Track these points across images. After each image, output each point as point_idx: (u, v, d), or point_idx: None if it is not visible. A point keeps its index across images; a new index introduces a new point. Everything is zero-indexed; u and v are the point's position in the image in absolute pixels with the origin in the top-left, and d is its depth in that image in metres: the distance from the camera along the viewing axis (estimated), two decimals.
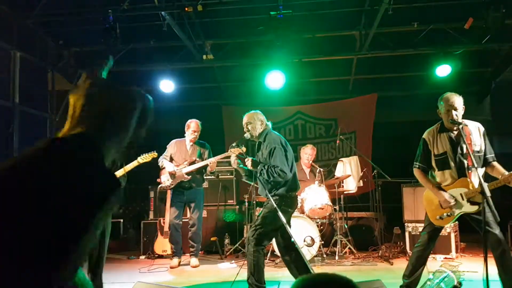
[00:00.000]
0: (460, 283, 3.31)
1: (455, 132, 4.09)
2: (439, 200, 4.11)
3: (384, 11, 6.71)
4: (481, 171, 3.95)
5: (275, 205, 4.25)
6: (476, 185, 3.90)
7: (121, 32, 6.93)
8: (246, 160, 4.65)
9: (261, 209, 4.67)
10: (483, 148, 4.06)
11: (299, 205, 6.51)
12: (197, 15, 7.40)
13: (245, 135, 4.77)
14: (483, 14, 6.58)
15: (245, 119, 4.80)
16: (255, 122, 4.72)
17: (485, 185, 3.59)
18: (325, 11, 7.48)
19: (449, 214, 4.05)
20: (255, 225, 4.46)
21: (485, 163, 4.09)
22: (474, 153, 3.94)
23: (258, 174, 4.52)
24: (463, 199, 4.01)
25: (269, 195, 4.40)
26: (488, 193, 3.58)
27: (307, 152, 7.30)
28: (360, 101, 9.61)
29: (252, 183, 4.97)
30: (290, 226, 4.66)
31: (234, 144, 4.82)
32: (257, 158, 4.72)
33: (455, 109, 4.03)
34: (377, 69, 9.32)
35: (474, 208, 3.94)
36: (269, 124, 4.82)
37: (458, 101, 4.07)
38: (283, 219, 4.16)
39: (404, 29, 7.91)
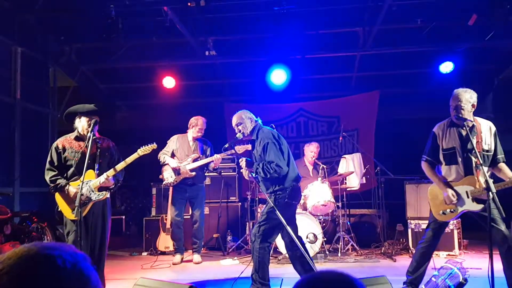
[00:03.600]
0: (465, 280, 3.29)
1: (465, 129, 4.05)
2: (442, 195, 4.10)
3: (388, 8, 6.68)
4: (486, 169, 3.92)
5: (272, 204, 4.25)
6: (483, 184, 3.89)
7: (123, 28, 6.91)
8: (240, 160, 4.64)
9: (264, 205, 4.65)
10: (492, 148, 4.05)
11: (301, 201, 6.49)
12: (200, 10, 7.36)
13: (237, 135, 4.74)
14: (487, 11, 6.55)
15: (234, 120, 4.77)
16: (245, 121, 4.70)
17: (490, 181, 3.58)
18: (328, 7, 7.45)
19: (452, 210, 4.04)
20: (259, 221, 4.44)
21: (494, 163, 4.07)
22: (483, 152, 3.92)
23: (255, 174, 4.50)
24: (468, 197, 3.99)
25: (266, 194, 4.39)
26: (493, 189, 3.57)
27: (312, 150, 7.28)
28: (362, 98, 9.57)
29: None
30: (295, 219, 4.67)
31: (226, 145, 4.78)
32: (253, 156, 4.69)
33: (458, 106, 4.02)
34: (380, 66, 9.27)
35: (479, 206, 3.93)
36: (259, 120, 4.79)
37: (464, 97, 4.05)
38: (282, 219, 4.14)
39: (407, 26, 7.87)
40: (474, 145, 3.90)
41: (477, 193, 3.94)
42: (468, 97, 4.06)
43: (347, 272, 1.11)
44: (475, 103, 4.09)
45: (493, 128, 4.11)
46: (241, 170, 4.76)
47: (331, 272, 1.13)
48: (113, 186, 4.57)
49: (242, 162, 4.59)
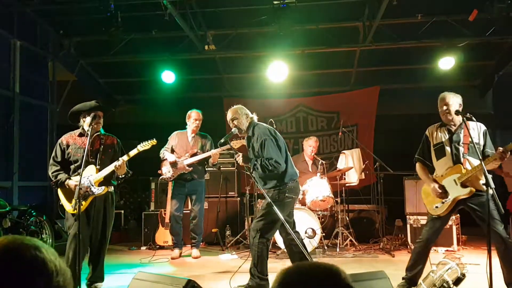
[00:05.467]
0: (463, 275, 3.29)
1: (454, 127, 4.20)
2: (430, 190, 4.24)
3: (388, 3, 6.65)
4: (477, 162, 3.95)
5: (269, 200, 4.23)
6: (470, 170, 3.99)
7: (122, 22, 6.87)
8: (236, 156, 4.60)
9: (264, 201, 4.64)
10: (481, 143, 4.11)
11: (300, 197, 6.49)
12: (199, 4, 7.34)
13: (232, 130, 4.70)
14: (487, 6, 6.51)
15: (229, 115, 4.73)
16: (240, 117, 4.65)
17: (489, 176, 3.57)
18: (328, 2, 7.42)
19: (443, 201, 4.12)
20: (258, 216, 4.44)
21: (484, 157, 4.09)
22: (472, 144, 3.95)
23: (252, 170, 4.48)
24: (456, 184, 4.07)
25: (263, 190, 4.36)
26: (492, 185, 3.57)
27: (311, 144, 7.26)
28: (362, 94, 9.56)
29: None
30: (293, 214, 4.69)
31: (222, 140, 4.73)
32: (249, 153, 4.67)
33: (446, 104, 4.14)
34: (380, 62, 9.25)
35: (466, 191, 4.00)
36: (254, 116, 4.76)
37: (451, 99, 4.15)
38: (280, 215, 4.12)
39: (407, 21, 7.84)
40: (461, 137, 4.08)
41: (463, 178, 4.00)
42: (454, 100, 4.17)
43: (336, 266, 1.11)
44: (461, 104, 4.19)
45: (483, 128, 4.18)
46: (236, 158, 4.68)
47: (317, 264, 1.13)
48: (123, 176, 4.58)
49: (239, 158, 4.57)
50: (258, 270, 4.35)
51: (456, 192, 4.05)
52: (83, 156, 4.32)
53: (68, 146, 4.57)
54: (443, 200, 4.11)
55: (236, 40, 8.35)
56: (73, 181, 4.42)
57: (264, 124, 4.71)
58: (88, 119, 4.51)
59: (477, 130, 4.12)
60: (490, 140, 4.17)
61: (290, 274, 1.11)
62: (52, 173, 4.54)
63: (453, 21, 7.68)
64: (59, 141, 4.64)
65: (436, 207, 4.15)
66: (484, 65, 9.34)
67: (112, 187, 4.66)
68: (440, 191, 4.11)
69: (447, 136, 4.19)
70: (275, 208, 4.11)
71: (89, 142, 4.30)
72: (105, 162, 4.56)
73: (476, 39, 8.00)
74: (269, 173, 4.39)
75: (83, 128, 4.59)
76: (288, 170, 4.50)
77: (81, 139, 4.60)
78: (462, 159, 4.08)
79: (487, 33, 7.65)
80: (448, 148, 4.15)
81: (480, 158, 3.72)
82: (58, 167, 4.54)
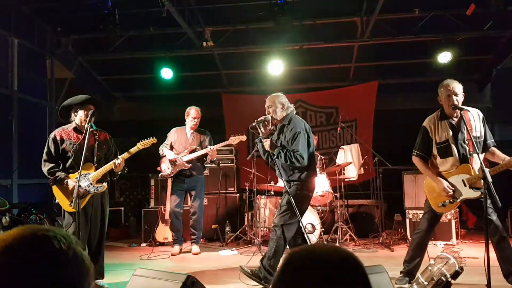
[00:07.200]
0: (461, 268, 3.30)
1: (456, 119, 4.10)
2: (439, 188, 4.11)
3: None
4: (481, 156, 3.91)
5: (288, 190, 4.26)
6: (477, 170, 3.92)
7: (120, 19, 6.86)
8: (264, 141, 4.59)
9: (283, 196, 4.61)
10: (483, 134, 4.07)
11: None
12: (197, 1, 7.33)
13: (261, 117, 4.68)
14: (485, 0, 6.52)
15: (266, 102, 4.76)
16: (275, 105, 4.67)
17: (487, 170, 3.57)
18: None
19: (451, 201, 4.04)
20: (282, 211, 4.42)
21: (485, 148, 4.09)
22: (475, 139, 3.92)
23: (275, 157, 4.49)
24: (465, 185, 3.99)
25: (283, 180, 4.37)
26: (490, 179, 3.57)
27: None
28: (361, 89, 9.57)
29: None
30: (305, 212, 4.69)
31: (254, 124, 4.72)
32: (279, 140, 4.68)
33: (455, 94, 4.03)
34: (378, 56, 9.26)
35: (477, 194, 3.93)
36: (292, 107, 4.78)
37: (458, 87, 4.08)
38: (296, 209, 4.16)
39: (405, 15, 7.84)
40: (465, 134, 3.96)
41: (473, 181, 3.94)
42: (460, 87, 4.10)
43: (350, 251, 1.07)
44: (463, 93, 4.14)
45: (481, 114, 4.12)
46: (264, 142, 4.64)
47: (331, 247, 1.08)
48: (119, 172, 4.58)
49: (267, 142, 4.56)
50: (270, 264, 4.32)
51: (466, 193, 3.99)
52: (80, 153, 4.26)
53: (62, 141, 4.50)
54: (452, 200, 4.03)
55: (234, 36, 8.35)
56: (72, 182, 4.38)
57: (301, 118, 4.76)
58: (80, 113, 4.46)
59: (476, 118, 4.07)
60: (487, 127, 4.13)
61: (301, 255, 1.06)
62: (48, 170, 4.45)
63: (450, 15, 7.68)
64: (52, 136, 4.53)
65: (443, 205, 4.07)
66: (482, 59, 9.35)
67: (106, 183, 4.63)
68: (451, 192, 4.00)
69: (451, 133, 4.07)
70: (292, 201, 4.18)
71: (88, 139, 4.25)
72: (100, 159, 4.54)
73: (474, 33, 8.00)
74: (290, 164, 4.40)
75: (76, 123, 4.54)
76: (310, 167, 4.53)
77: (76, 134, 4.53)
78: (469, 158, 4.01)
79: (485, 27, 7.65)
80: (454, 148, 4.05)
81: (478, 152, 3.72)
82: (54, 164, 4.47)
